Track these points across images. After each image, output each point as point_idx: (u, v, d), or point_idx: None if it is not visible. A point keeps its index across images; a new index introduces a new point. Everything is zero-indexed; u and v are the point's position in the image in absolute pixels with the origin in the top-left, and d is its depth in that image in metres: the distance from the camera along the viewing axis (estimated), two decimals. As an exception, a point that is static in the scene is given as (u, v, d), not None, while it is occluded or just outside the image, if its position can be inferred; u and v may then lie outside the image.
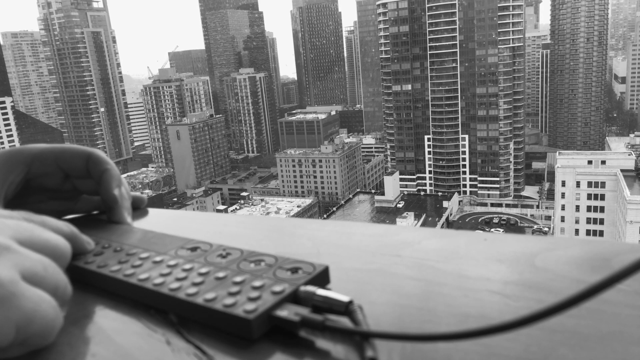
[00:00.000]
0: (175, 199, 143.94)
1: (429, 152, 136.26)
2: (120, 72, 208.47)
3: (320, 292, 0.60)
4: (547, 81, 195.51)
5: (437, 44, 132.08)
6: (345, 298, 0.58)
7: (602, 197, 76.35)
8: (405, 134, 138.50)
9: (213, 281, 0.65)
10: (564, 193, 78.51)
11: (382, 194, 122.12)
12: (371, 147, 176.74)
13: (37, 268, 0.56)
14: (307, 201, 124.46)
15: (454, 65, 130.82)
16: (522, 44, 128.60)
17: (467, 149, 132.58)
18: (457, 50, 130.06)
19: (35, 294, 0.54)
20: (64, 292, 0.60)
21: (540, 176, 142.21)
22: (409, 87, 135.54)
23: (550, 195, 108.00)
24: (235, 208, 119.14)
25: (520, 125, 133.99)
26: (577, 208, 77.85)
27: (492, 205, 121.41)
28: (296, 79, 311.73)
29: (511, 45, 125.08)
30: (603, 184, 75.56)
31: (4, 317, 0.51)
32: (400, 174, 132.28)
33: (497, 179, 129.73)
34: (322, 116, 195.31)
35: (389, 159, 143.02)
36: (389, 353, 0.53)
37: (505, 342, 0.52)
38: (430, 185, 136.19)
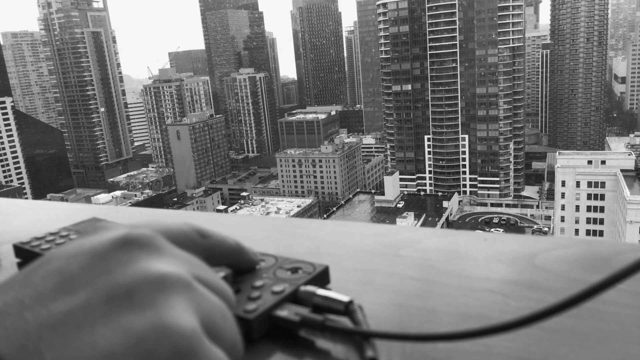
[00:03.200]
0: (175, 199, 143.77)
1: (429, 152, 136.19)
2: (120, 72, 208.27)
3: (320, 292, 0.60)
4: (547, 81, 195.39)
5: (437, 44, 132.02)
6: (345, 298, 0.59)
7: (602, 197, 76.30)
8: (405, 134, 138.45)
9: None
10: (563, 193, 78.48)
11: (382, 194, 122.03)
12: (371, 147, 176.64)
13: (216, 316, 0.43)
14: (307, 201, 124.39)
15: (454, 65, 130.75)
16: (522, 44, 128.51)
17: (467, 149, 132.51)
18: (457, 50, 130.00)
19: (216, 356, 0.40)
20: (239, 352, 0.45)
21: (540, 176, 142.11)
22: (409, 87, 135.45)
23: (550, 195, 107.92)
24: (235, 208, 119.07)
25: (520, 125, 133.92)
26: (577, 208, 77.79)
27: (492, 205, 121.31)
28: (296, 79, 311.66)
29: (511, 45, 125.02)
30: (603, 184, 75.51)
31: None
32: (400, 174, 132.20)
33: (497, 179, 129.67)
34: (322, 116, 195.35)
35: (389, 159, 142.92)
36: (389, 353, 0.53)
37: (505, 342, 0.52)
38: (430, 185, 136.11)
